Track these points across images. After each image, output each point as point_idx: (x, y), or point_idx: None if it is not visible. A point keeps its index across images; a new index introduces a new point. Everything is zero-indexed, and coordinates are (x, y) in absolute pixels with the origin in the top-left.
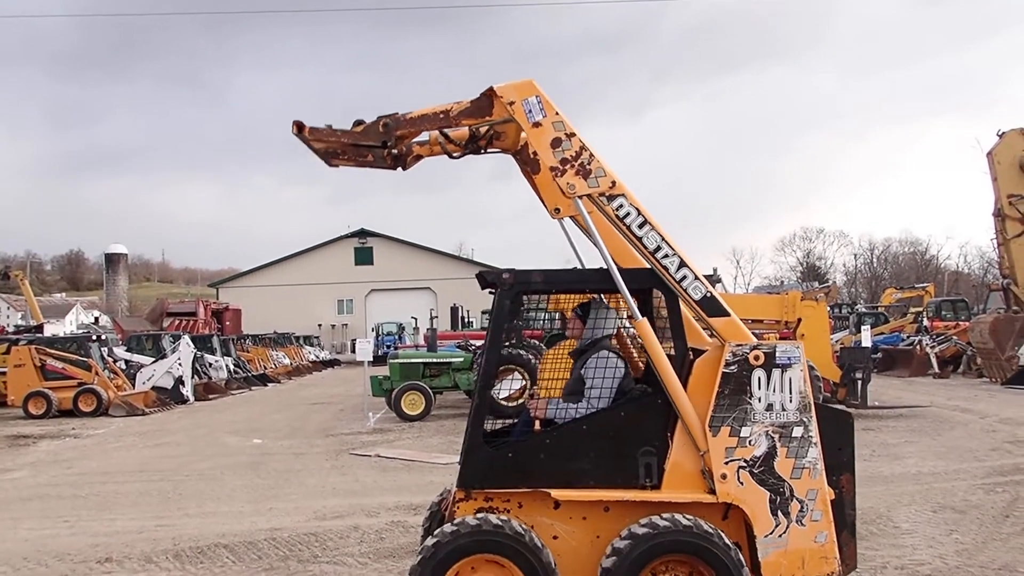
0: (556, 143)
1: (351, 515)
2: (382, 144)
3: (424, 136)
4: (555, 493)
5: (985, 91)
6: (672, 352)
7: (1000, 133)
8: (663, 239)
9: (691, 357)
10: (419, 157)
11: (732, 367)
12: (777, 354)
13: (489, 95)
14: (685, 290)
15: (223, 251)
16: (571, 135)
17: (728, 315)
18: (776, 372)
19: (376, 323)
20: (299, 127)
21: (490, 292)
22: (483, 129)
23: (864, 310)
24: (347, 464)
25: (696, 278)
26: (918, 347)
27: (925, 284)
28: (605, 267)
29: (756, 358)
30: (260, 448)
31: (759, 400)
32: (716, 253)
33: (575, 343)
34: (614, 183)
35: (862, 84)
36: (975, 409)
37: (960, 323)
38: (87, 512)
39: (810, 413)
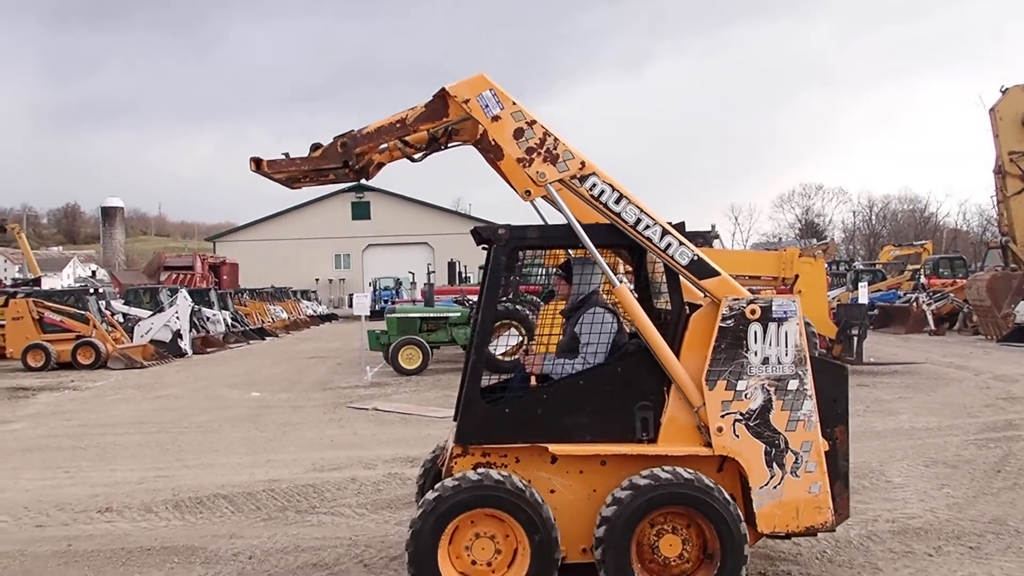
0: (518, 133)
1: (349, 467)
2: (343, 164)
3: (383, 143)
4: (552, 448)
5: (988, 47)
6: (668, 307)
7: (1003, 89)
8: (641, 211)
9: (687, 312)
10: (381, 165)
11: (728, 322)
12: (773, 308)
13: (443, 96)
14: (672, 257)
15: (220, 205)
16: (532, 123)
17: (718, 274)
18: (772, 326)
19: (373, 278)
20: (256, 163)
21: (484, 248)
22: (441, 130)
23: (861, 267)
24: (345, 417)
25: (681, 243)
26: (914, 304)
27: (923, 241)
28: (601, 223)
29: (752, 312)
30: (258, 401)
31: (755, 354)
32: (714, 210)
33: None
34: (583, 163)
35: (863, 39)
36: (970, 366)
37: (957, 280)
38: (87, 463)
39: (805, 366)
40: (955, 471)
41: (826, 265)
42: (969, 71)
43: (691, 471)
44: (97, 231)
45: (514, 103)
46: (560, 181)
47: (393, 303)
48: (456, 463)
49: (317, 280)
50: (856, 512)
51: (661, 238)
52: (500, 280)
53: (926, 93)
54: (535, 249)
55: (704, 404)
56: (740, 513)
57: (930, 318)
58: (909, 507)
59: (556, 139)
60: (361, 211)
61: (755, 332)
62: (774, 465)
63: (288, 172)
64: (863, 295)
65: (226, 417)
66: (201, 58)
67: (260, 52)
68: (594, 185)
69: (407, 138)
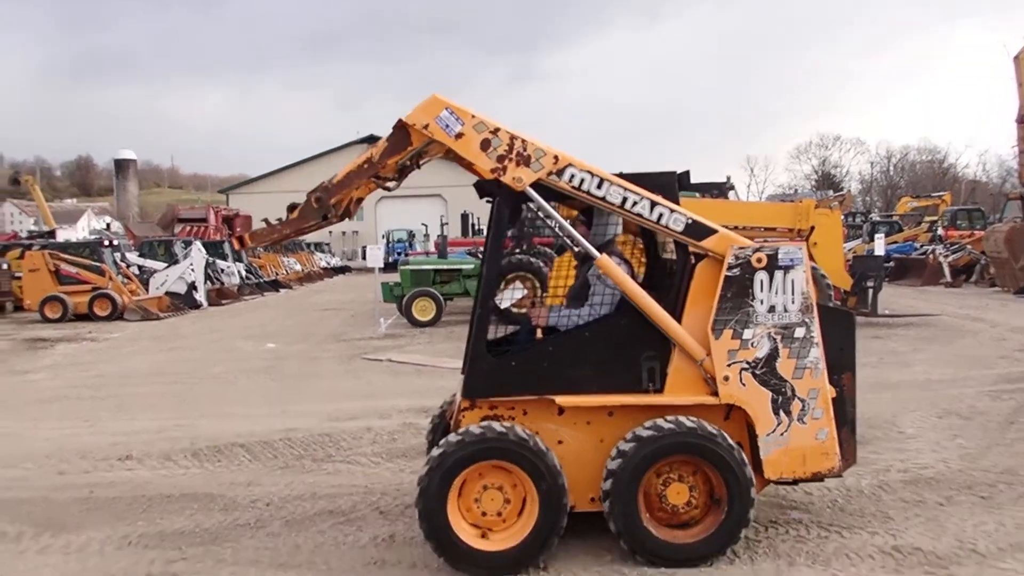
0: (485, 145)
1: (364, 417)
2: (323, 217)
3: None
4: (559, 399)
5: None
6: (673, 256)
7: None
8: (625, 189)
9: (692, 261)
10: (360, 200)
11: (735, 270)
12: (780, 256)
13: (401, 127)
14: (667, 226)
15: (232, 157)
16: (496, 131)
17: (716, 231)
18: (779, 274)
19: (387, 230)
20: (240, 241)
21: (488, 201)
22: (407, 159)
23: (878, 219)
24: (359, 368)
25: (672, 211)
26: (931, 256)
27: (942, 193)
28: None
29: (759, 260)
30: (273, 352)
31: (761, 302)
32: (730, 161)
33: None
34: (556, 157)
35: None
36: (986, 318)
37: (975, 232)
38: (106, 413)
39: (812, 314)
40: (968, 422)
41: (842, 217)
42: (997, 18)
43: (694, 419)
44: (110, 184)
45: (473, 116)
46: (537, 180)
47: (406, 255)
48: (464, 416)
49: (330, 232)
50: (868, 462)
51: (651, 211)
52: (504, 233)
53: (950, 41)
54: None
55: (707, 358)
56: (745, 458)
57: (946, 270)
58: (921, 457)
59: (523, 140)
60: None
61: (761, 280)
62: (781, 413)
63: (271, 239)
64: (879, 247)
65: (242, 368)
66: (212, 9)
67: (272, 2)
68: (572, 176)
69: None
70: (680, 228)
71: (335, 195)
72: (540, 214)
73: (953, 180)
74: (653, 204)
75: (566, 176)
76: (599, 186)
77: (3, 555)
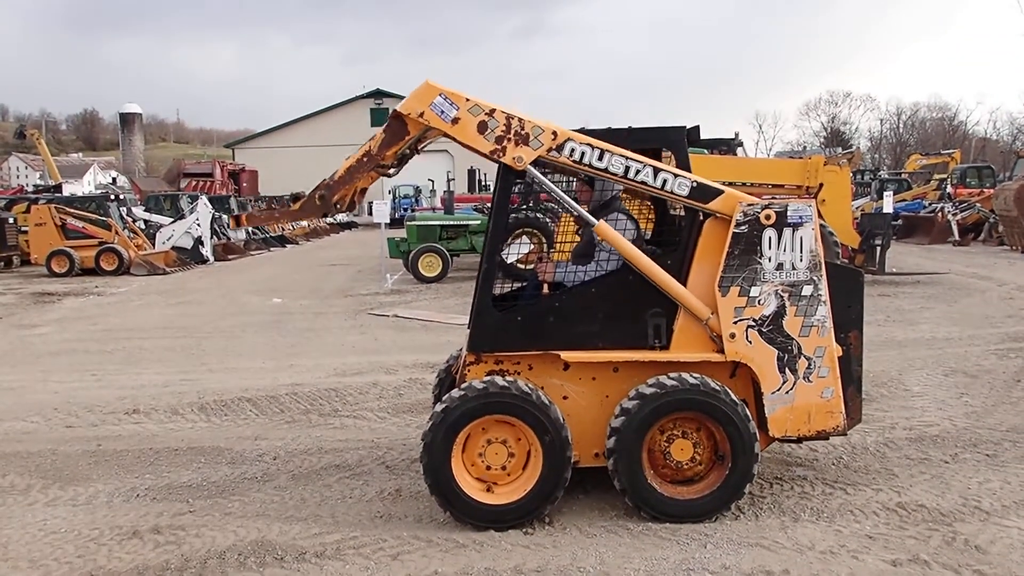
0: (482, 127)
1: (370, 372)
2: (323, 214)
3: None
4: (564, 355)
5: None
6: (682, 213)
7: None
8: (626, 158)
9: (700, 218)
10: (364, 190)
11: (743, 227)
12: (789, 213)
13: (397, 117)
14: (672, 192)
15: (238, 112)
16: (492, 112)
17: (722, 191)
18: (787, 231)
19: (393, 186)
20: (237, 221)
21: None
22: (407, 146)
23: (887, 176)
24: (366, 324)
25: (676, 175)
26: (939, 214)
27: (951, 150)
28: (617, 128)
29: (767, 217)
30: (280, 307)
31: (769, 260)
32: (739, 118)
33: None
34: (555, 133)
35: None
36: (993, 277)
37: (984, 190)
38: (113, 366)
39: (820, 271)
40: (974, 380)
41: (851, 174)
42: None
43: (697, 376)
44: (116, 137)
45: (467, 99)
46: (538, 157)
47: (413, 211)
48: (469, 371)
49: None
50: (873, 420)
51: (655, 177)
52: (512, 188)
53: None
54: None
55: (712, 316)
56: (749, 413)
57: (955, 228)
58: (927, 415)
59: (520, 119)
60: (380, 118)
61: (770, 237)
62: (787, 370)
63: (266, 222)
64: (887, 204)
65: (249, 323)
66: None
67: None
68: (572, 150)
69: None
70: (685, 192)
71: (337, 191)
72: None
73: (963, 137)
74: (656, 171)
75: (566, 151)
76: (600, 158)
77: (13, 507)
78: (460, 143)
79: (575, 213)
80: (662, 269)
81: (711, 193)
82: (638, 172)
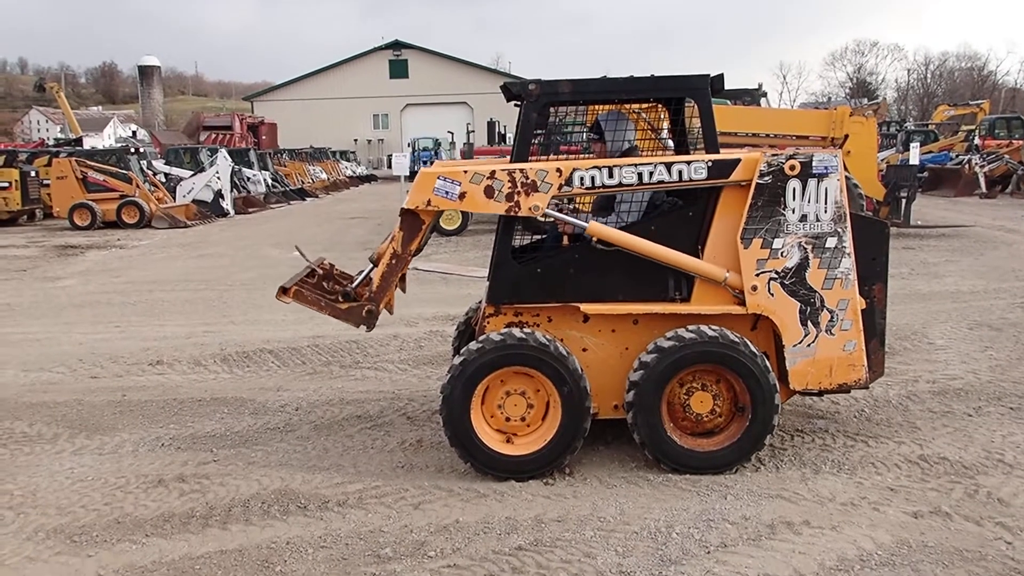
0: (489, 192)
1: (390, 324)
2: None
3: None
4: (584, 307)
5: None
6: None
7: None
8: (636, 164)
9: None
10: (403, 277)
11: (766, 178)
12: (814, 163)
13: (408, 213)
14: (691, 179)
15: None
16: (492, 174)
17: (739, 160)
18: (812, 182)
19: (412, 138)
20: (283, 292)
21: (516, 105)
22: (429, 228)
23: (913, 128)
24: None
25: (690, 162)
26: (967, 166)
27: (980, 101)
28: (639, 76)
29: (792, 168)
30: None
31: (793, 211)
32: (763, 68)
33: None
34: (559, 169)
35: None
36: (1020, 230)
37: (1013, 142)
38: (136, 318)
39: (845, 223)
40: (999, 334)
41: (877, 125)
42: None
43: (716, 328)
44: (135, 91)
45: (465, 171)
46: (552, 199)
47: (432, 164)
48: (488, 323)
49: (356, 140)
50: (896, 373)
51: (670, 172)
52: (531, 138)
53: None
54: (568, 105)
55: (728, 275)
56: (769, 364)
57: (982, 180)
58: (950, 368)
59: (522, 169)
60: (399, 69)
61: (794, 188)
62: (808, 323)
63: (311, 304)
64: (914, 156)
65: (270, 275)
66: None
67: None
68: (581, 179)
69: None
70: (704, 175)
71: (382, 300)
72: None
73: (992, 88)
74: (669, 165)
75: (576, 182)
76: (611, 175)
77: (41, 455)
78: (476, 212)
79: (564, 224)
80: (668, 248)
81: (729, 166)
82: (652, 174)
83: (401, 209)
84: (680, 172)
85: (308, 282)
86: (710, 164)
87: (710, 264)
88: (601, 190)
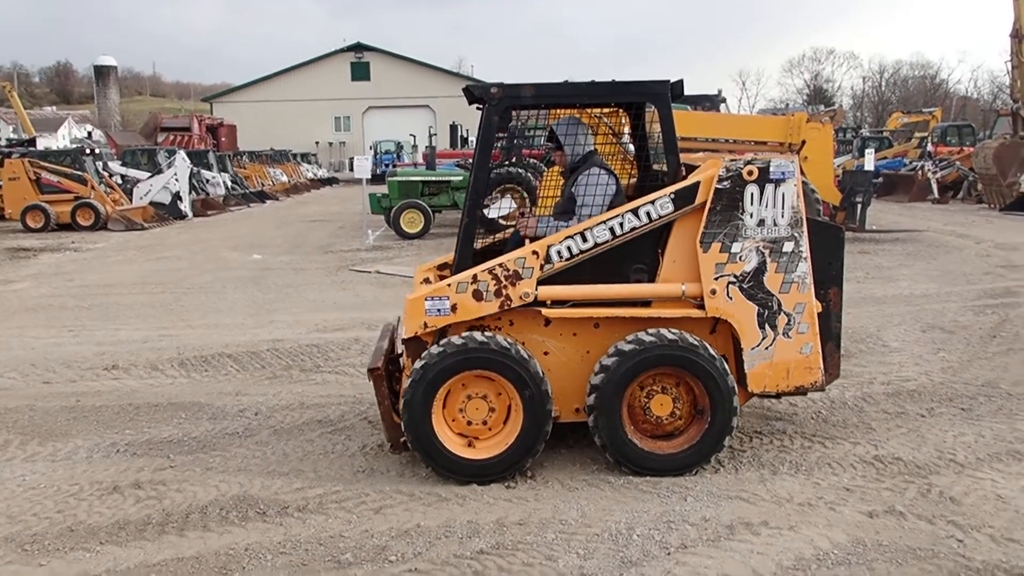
0: (478, 296)
1: (352, 328)
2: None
3: None
4: (545, 311)
5: None
6: (664, 168)
7: None
8: (605, 221)
9: (684, 173)
10: None
11: (725, 183)
12: (771, 169)
13: (411, 340)
14: (660, 216)
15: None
16: (474, 278)
17: (699, 182)
18: (769, 187)
19: (374, 141)
20: (371, 372)
21: (478, 108)
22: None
23: (868, 134)
24: (347, 280)
25: (654, 201)
26: (919, 172)
27: (932, 109)
28: (600, 81)
29: (750, 173)
30: (260, 263)
31: (751, 216)
32: (722, 75)
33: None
34: (535, 252)
35: None
36: (971, 234)
37: (964, 149)
38: (91, 322)
39: (801, 228)
40: (951, 336)
41: (833, 132)
42: None
43: (675, 331)
44: (90, 91)
45: (448, 284)
46: (537, 279)
47: (394, 167)
48: (450, 327)
49: (317, 143)
50: (852, 375)
51: (639, 217)
52: (493, 141)
53: None
54: (530, 109)
55: (686, 286)
56: (728, 367)
57: (934, 186)
58: (904, 370)
59: (501, 264)
60: (360, 72)
61: (752, 193)
62: (766, 327)
63: (378, 396)
64: (869, 162)
65: (228, 279)
66: None
67: None
68: (559, 252)
69: None
70: (671, 208)
71: (391, 431)
72: None
73: (944, 96)
74: (635, 210)
75: (554, 258)
76: (584, 239)
77: None
78: (472, 321)
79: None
80: (619, 285)
81: (691, 193)
82: (623, 225)
83: (403, 340)
84: (647, 212)
85: (387, 356)
86: (673, 195)
87: (666, 285)
88: (577, 258)
